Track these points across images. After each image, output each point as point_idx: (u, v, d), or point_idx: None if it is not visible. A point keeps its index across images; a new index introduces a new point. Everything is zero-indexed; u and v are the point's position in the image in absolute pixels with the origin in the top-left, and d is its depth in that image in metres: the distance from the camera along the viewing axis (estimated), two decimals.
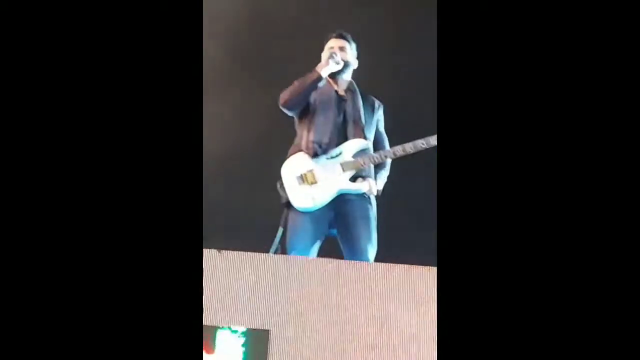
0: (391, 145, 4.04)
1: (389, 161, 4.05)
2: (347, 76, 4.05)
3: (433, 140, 3.83)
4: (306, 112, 3.93)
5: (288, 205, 3.82)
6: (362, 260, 3.68)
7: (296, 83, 3.91)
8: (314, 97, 3.93)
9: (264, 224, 3.98)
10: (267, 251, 3.71)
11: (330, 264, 2.92)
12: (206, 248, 2.83)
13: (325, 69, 3.88)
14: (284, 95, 3.91)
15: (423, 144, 3.85)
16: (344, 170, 3.82)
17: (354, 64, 4.07)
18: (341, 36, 4.04)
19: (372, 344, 2.78)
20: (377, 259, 3.80)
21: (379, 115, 4.09)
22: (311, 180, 3.78)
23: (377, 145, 4.03)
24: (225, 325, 2.77)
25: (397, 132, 4.11)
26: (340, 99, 3.97)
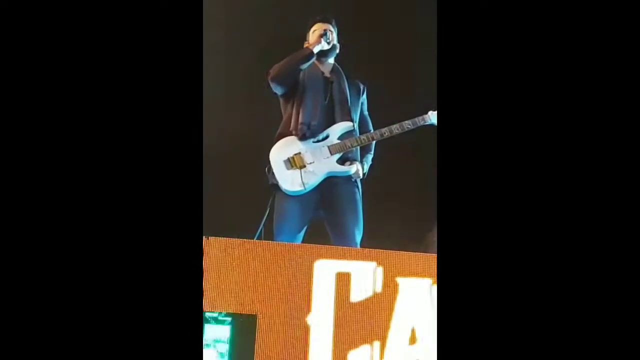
0: (375, 128, 4.03)
1: (373, 144, 4.04)
2: (331, 60, 4.04)
3: (419, 121, 3.85)
4: (294, 92, 3.89)
5: (276, 188, 3.79)
6: (350, 245, 3.66)
7: (286, 58, 3.88)
8: (302, 77, 3.90)
9: (250, 209, 3.96)
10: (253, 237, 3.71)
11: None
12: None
13: (317, 47, 3.88)
14: (274, 70, 3.87)
15: (409, 125, 3.86)
16: (331, 153, 3.80)
17: (338, 48, 4.05)
18: (326, 20, 4.02)
19: None
20: (362, 243, 3.80)
21: (363, 98, 4.08)
22: (299, 163, 3.76)
23: (362, 128, 4.01)
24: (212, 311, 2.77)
25: (381, 114, 4.10)
26: (326, 81, 3.95)
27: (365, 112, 4.09)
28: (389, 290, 2.86)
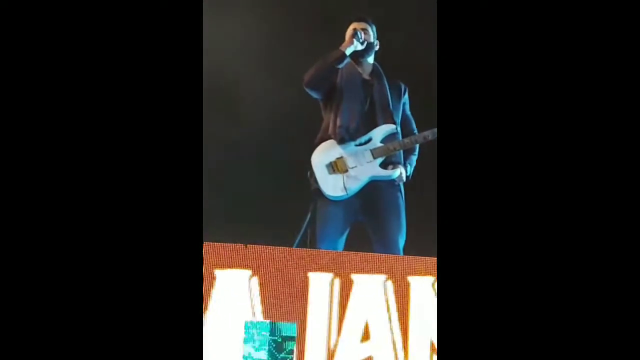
0: (418, 128, 3.96)
1: (417, 145, 3.95)
2: (370, 59, 3.95)
3: None
4: (332, 96, 3.82)
5: (318, 194, 3.73)
6: (393, 252, 3.61)
7: (319, 62, 3.80)
8: (339, 80, 3.82)
9: (291, 215, 3.90)
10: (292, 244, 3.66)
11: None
12: (232, 243, 2.82)
13: (348, 48, 3.78)
14: (307, 75, 3.79)
15: None
16: (374, 156, 3.74)
17: (376, 46, 3.96)
18: (362, 19, 3.93)
19: None
20: (405, 249, 3.74)
21: (405, 98, 3.99)
22: (342, 168, 3.70)
23: (405, 128, 3.93)
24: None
25: (423, 114, 4.00)
26: (366, 83, 3.88)
27: (408, 112, 4.01)
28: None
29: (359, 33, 3.80)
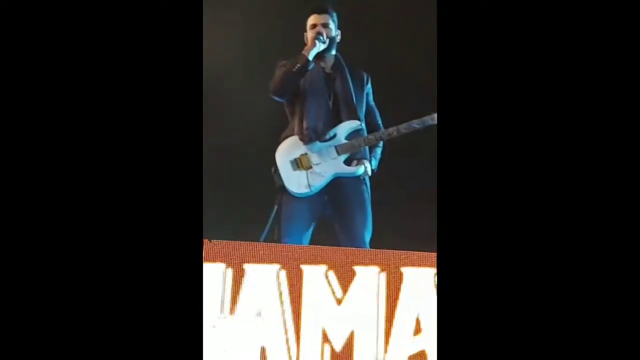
0: (382, 118, 3.97)
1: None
2: (332, 52, 3.92)
3: (428, 121, 3.78)
4: (296, 96, 3.82)
5: (283, 190, 3.75)
6: (358, 246, 3.61)
7: (284, 69, 3.78)
8: (302, 81, 3.81)
9: (257, 211, 3.92)
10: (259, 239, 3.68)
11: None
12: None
13: (312, 52, 3.75)
14: (274, 84, 3.79)
15: (418, 124, 3.79)
16: (338, 153, 3.76)
17: (338, 37, 3.93)
18: (323, 10, 3.88)
19: None
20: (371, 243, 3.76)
21: (368, 88, 3.98)
22: (306, 164, 3.71)
23: (369, 119, 3.93)
24: None
25: (388, 103, 4.03)
26: (328, 78, 3.87)
27: (372, 103, 4.00)
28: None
29: (320, 37, 3.77)
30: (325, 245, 2.86)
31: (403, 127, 3.80)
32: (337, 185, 3.76)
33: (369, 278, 2.66)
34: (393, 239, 3.50)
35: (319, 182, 3.72)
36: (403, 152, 4.18)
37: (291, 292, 2.64)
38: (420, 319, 2.66)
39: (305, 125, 3.74)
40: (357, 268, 2.67)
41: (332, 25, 3.88)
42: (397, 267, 2.68)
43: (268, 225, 3.77)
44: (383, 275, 2.67)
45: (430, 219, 4.74)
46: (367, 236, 3.78)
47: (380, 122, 3.99)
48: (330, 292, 2.64)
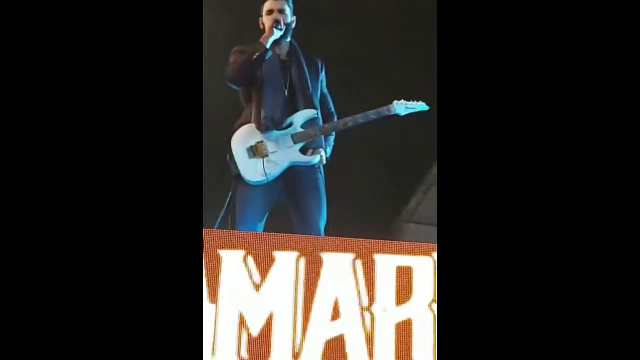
0: (335, 105, 3.99)
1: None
2: (287, 38, 3.92)
3: (384, 111, 3.85)
4: (252, 83, 3.81)
5: (238, 178, 3.76)
6: (312, 233, 3.64)
7: (241, 57, 3.79)
8: (259, 69, 3.81)
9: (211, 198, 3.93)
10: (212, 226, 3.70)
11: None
12: None
13: (270, 39, 3.75)
14: (231, 72, 3.80)
15: (374, 115, 3.85)
16: (294, 141, 3.77)
17: (293, 23, 3.92)
18: None
19: None
20: (327, 229, 3.79)
21: (322, 75, 3.99)
22: (262, 152, 3.72)
23: (323, 106, 3.94)
24: None
25: (342, 90, 4.06)
26: (284, 65, 3.87)
27: (325, 90, 4.02)
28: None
29: (278, 25, 3.76)
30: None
31: (360, 117, 3.84)
32: (292, 173, 3.79)
33: (288, 263, 2.66)
34: (347, 227, 3.52)
35: (275, 171, 3.74)
36: (354, 141, 4.17)
37: (209, 277, 2.64)
38: (339, 303, 2.66)
39: (263, 114, 3.75)
40: (276, 253, 2.67)
41: (287, 11, 3.87)
42: (317, 252, 2.68)
43: (222, 212, 3.79)
44: (302, 260, 2.67)
45: (385, 206, 4.81)
46: (322, 223, 3.80)
47: (333, 109, 4.01)
48: (249, 277, 2.65)
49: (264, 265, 2.65)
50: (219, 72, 3.87)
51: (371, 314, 2.68)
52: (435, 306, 2.71)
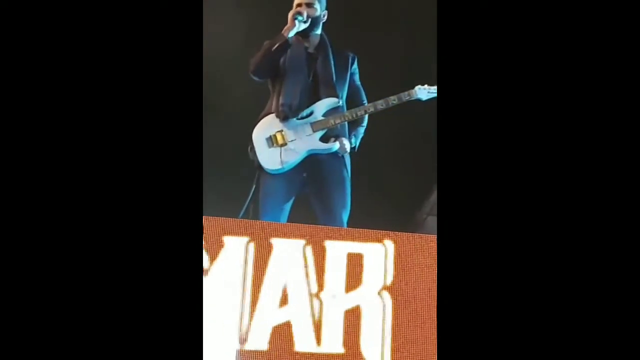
0: (369, 98, 3.92)
1: (366, 116, 3.94)
2: (317, 31, 3.91)
3: (405, 97, 3.77)
4: (277, 75, 3.83)
5: (260, 168, 3.78)
6: (336, 225, 3.60)
7: (264, 49, 3.80)
8: (283, 60, 3.81)
9: (238, 188, 3.99)
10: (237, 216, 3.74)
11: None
12: None
13: (291, 31, 3.75)
14: (253, 63, 3.82)
15: (395, 100, 3.76)
16: (313, 130, 3.75)
17: (323, 17, 3.92)
18: None
19: None
20: (350, 221, 3.74)
21: (354, 69, 3.95)
22: (281, 141, 3.72)
23: (354, 99, 3.91)
24: None
25: (376, 82, 3.99)
26: (310, 57, 3.86)
27: (357, 83, 3.97)
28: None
29: (298, 16, 3.75)
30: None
31: (380, 104, 3.77)
32: (315, 163, 3.76)
33: (237, 248, 2.66)
34: (369, 219, 3.48)
35: (293, 159, 3.72)
36: (385, 130, 4.11)
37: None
38: (287, 290, 2.63)
39: (280, 101, 3.75)
40: (225, 238, 2.67)
41: (317, 5, 3.87)
42: (267, 238, 2.66)
43: (246, 203, 3.83)
44: (252, 245, 2.66)
45: (408, 199, 4.69)
46: (345, 215, 3.75)
47: (366, 102, 3.94)
48: None
49: (213, 250, 2.66)
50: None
51: (320, 300, 2.63)
52: (385, 293, 2.64)
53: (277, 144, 3.74)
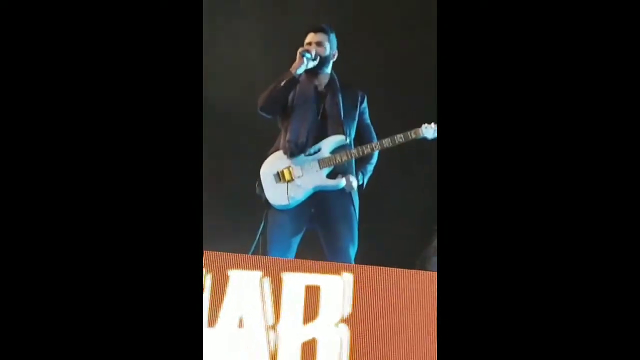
0: (378, 136, 3.94)
1: (375, 154, 3.97)
2: (327, 70, 3.97)
3: (411, 134, 3.79)
4: (285, 111, 3.89)
5: (268, 204, 3.82)
6: (343, 261, 3.63)
7: (272, 85, 3.86)
8: (292, 95, 3.88)
9: (249, 224, 4.03)
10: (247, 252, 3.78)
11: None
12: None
13: (299, 68, 3.80)
14: (261, 100, 3.88)
15: (401, 138, 3.79)
16: (320, 166, 3.78)
17: (333, 57, 3.98)
18: (319, 29, 3.95)
19: None
20: (357, 257, 3.76)
21: (363, 107, 3.99)
22: (288, 177, 3.76)
23: (364, 137, 3.94)
24: None
25: (387, 120, 4.02)
26: (319, 95, 3.91)
27: (367, 121, 4.01)
28: None
29: (307, 53, 3.81)
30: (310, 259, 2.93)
31: (386, 141, 3.80)
32: (323, 198, 3.79)
33: None
34: (378, 254, 3.48)
35: (300, 195, 3.76)
36: (395, 169, 4.10)
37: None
38: (243, 321, 2.65)
39: (287, 138, 3.81)
40: None
41: (327, 44, 3.93)
42: (224, 270, 2.68)
43: (256, 238, 3.88)
44: (209, 277, 2.68)
45: (417, 235, 4.61)
46: (353, 251, 3.76)
47: (375, 139, 3.96)
48: None
49: None
50: None
51: (276, 332, 2.64)
52: (342, 326, 2.62)
53: (285, 180, 3.77)
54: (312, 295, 2.67)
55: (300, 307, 2.65)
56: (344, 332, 2.65)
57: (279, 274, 2.68)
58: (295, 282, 2.67)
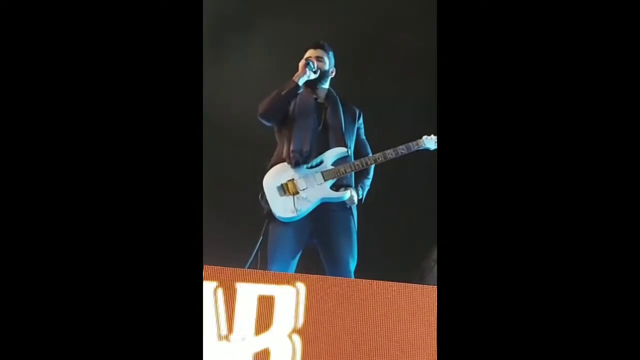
0: (374, 152, 3.94)
1: (372, 169, 3.96)
2: (325, 85, 3.99)
3: (414, 146, 3.81)
4: (285, 121, 3.86)
5: (269, 216, 3.76)
6: (343, 275, 3.59)
7: (274, 93, 3.85)
8: (292, 106, 3.86)
9: (246, 237, 3.96)
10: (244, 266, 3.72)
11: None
12: None
13: (302, 78, 3.81)
14: (262, 106, 3.86)
15: (403, 150, 3.79)
16: (325, 178, 3.75)
17: (332, 72, 4.01)
18: (318, 45, 3.99)
19: None
20: (357, 272, 3.71)
21: (359, 123, 4.01)
22: (292, 190, 3.72)
23: (360, 152, 3.94)
24: None
25: (380, 138, 4.01)
26: (319, 107, 3.91)
27: (363, 137, 4.01)
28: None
29: (311, 63, 3.84)
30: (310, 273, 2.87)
31: (389, 153, 3.80)
32: (323, 212, 3.75)
33: None
34: (378, 269, 3.39)
35: (306, 207, 3.71)
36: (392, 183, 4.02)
37: None
38: None
39: (292, 147, 3.77)
40: None
41: (326, 60, 3.97)
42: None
43: (254, 251, 3.81)
44: None
45: (417, 248, 4.46)
46: (353, 265, 3.73)
47: (371, 154, 3.96)
48: None
49: None
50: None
51: (229, 342, 2.55)
52: (295, 336, 2.54)
53: (289, 192, 3.73)
54: (265, 305, 2.58)
55: (252, 318, 2.56)
56: (297, 342, 2.59)
57: (232, 284, 2.62)
58: (248, 292, 2.60)
